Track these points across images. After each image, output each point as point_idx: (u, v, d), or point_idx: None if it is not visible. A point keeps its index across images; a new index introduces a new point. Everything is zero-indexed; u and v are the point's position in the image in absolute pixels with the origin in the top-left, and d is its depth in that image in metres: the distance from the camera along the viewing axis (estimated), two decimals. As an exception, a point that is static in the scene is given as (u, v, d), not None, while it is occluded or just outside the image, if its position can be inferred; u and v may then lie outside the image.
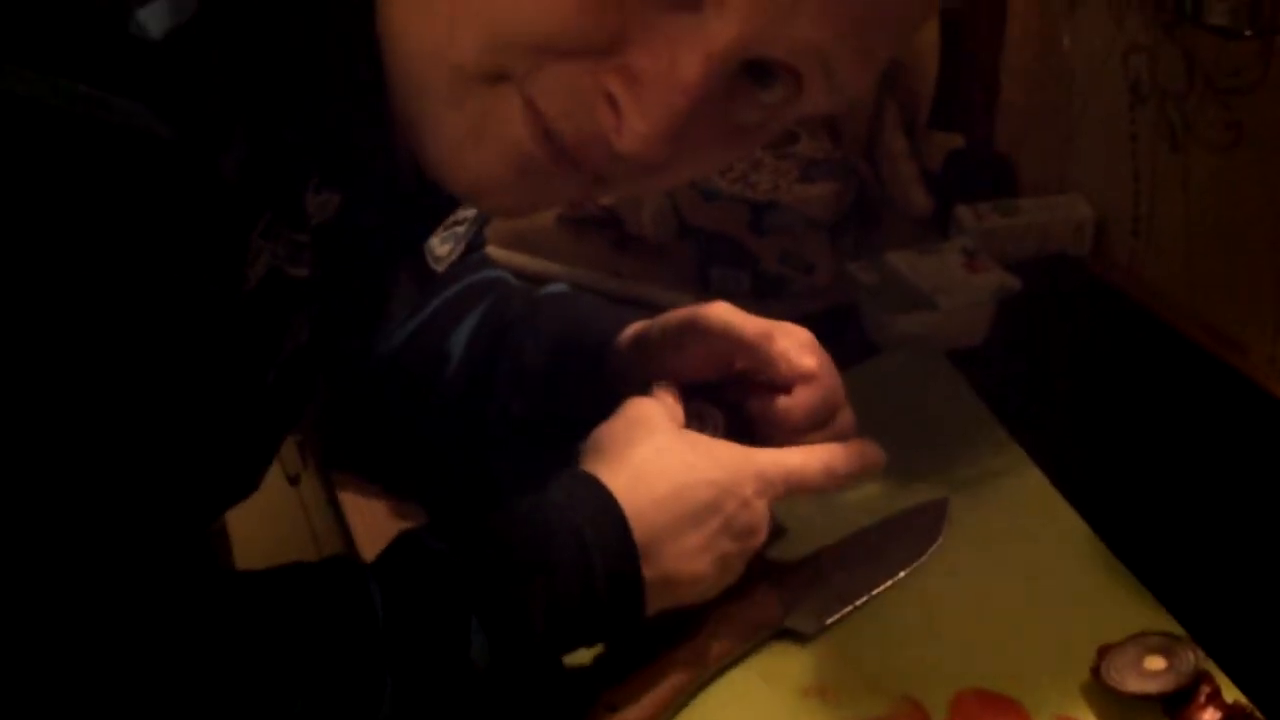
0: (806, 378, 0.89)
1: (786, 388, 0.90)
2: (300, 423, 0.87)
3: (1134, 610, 0.89)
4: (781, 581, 0.90)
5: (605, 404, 0.87)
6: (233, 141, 0.60)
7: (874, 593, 0.92)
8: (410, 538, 0.75)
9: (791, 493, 0.86)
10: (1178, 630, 0.86)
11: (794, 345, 0.89)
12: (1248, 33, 0.84)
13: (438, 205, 0.80)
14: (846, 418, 0.92)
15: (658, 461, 0.80)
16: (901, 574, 0.93)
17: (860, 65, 0.64)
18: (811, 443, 0.89)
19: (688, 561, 0.80)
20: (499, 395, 0.98)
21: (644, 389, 0.89)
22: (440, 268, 0.93)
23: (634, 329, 0.95)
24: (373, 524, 0.99)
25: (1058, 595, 0.91)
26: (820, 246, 1.23)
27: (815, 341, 0.91)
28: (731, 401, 0.92)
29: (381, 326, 0.98)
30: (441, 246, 0.92)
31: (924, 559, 0.95)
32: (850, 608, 0.90)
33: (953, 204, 1.30)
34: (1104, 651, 0.83)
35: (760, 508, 0.83)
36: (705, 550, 0.80)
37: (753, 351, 0.89)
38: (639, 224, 1.28)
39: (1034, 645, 0.87)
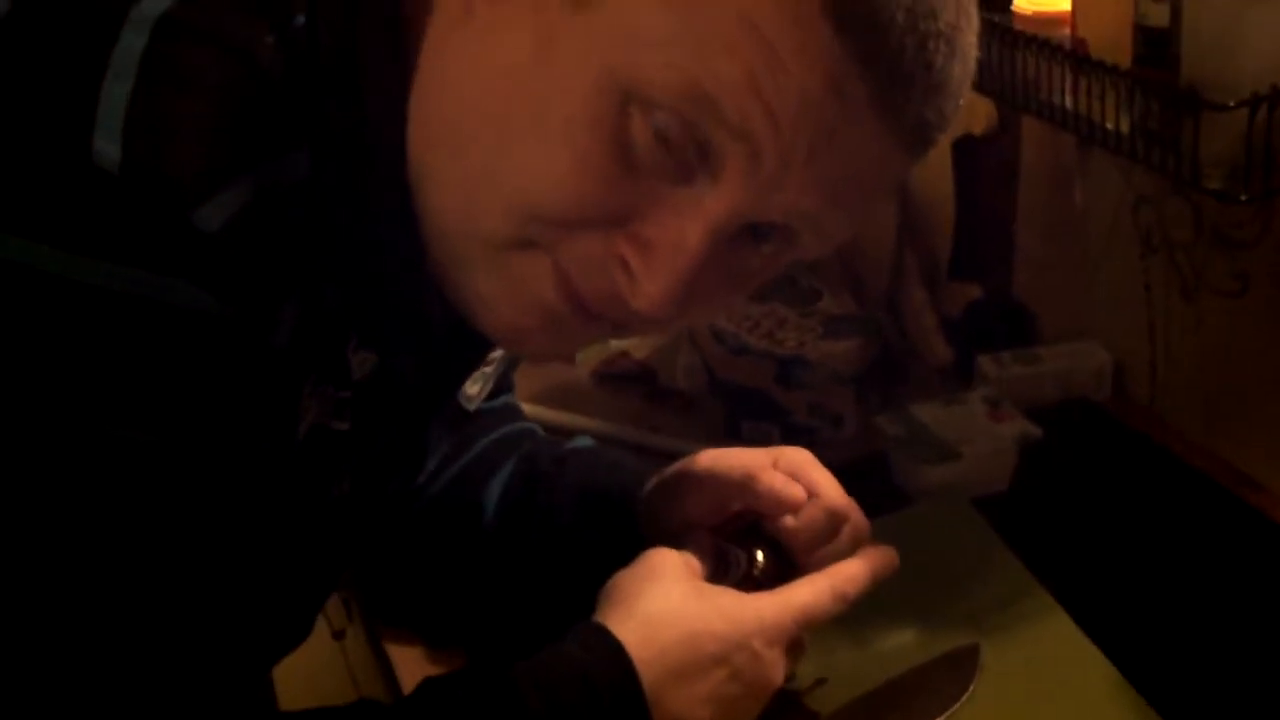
0: (796, 507, 0.92)
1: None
2: (344, 573, 0.91)
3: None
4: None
5: (629, 551, 0.92)
6: (282, 314, 0.66)
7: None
8: (436, 683, 0.80)
9: (808, 628, 0.89)
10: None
11: (780, 477, 0.93)
12: (1243, 197, 0.89)
13: (471, 355, 0.86)
14: (858, 522, 0.94)
15: (666, 613, 0.84)
16: (937, 718, 0.96)
17: (845, 218, 0.72)
18: (827, 555, 0.92)
19: (694, 709, 0.83)
20: (533, 553, 1.02)
21: (673, 538, 0.93)
22: (471, 406, 0.98)
23: (654, 481, 0.99)
24: (417, 674, 1.02)
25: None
26: (846, 399, 1.27)
27: (810, 459, 0.95)
28: (769, 534, 0.95)
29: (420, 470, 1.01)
30: (472, 387, 0.98)
31: (957, 706, 0.97)
32: (883, 756, 0.93)
33: (974, 353, 1.34)
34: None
35: (771, 656, 0.86)
36: (710, 700, 0.84)
37: (741, 494, 0.94)
38: (672, 378, 1.33)
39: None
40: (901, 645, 1.02)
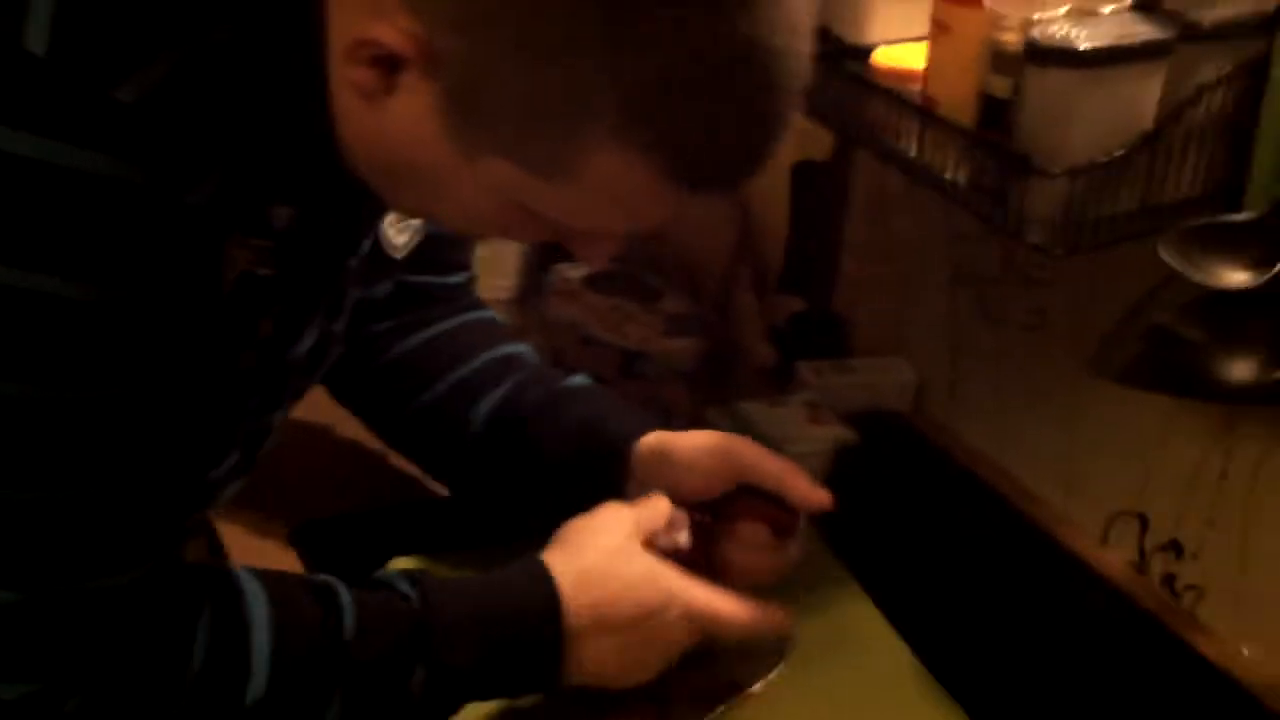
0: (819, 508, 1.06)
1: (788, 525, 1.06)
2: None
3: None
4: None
5: (607, 498, 1.03)
6: (202, 177, 0.75)
7: (727, 706, 1.06)
8: (390, 578, 0.93)
9: (709, 632, 1.00)
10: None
11: (806, 484, 1.06)
12: (1059, 251, 1.03)
13: (376, 208, 0.95)
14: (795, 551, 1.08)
15: (604, 568, 0.96)
16: (748, 690, 1.08)
17: None
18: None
19: (603, 657, 0.96)
20: (514, 485, 1.12)
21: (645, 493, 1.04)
22: (400, 255, 1.05)
23: (656, 438, 1.09)
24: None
25: (881, 709, 1.07)
26: (680, 393, 1.38)
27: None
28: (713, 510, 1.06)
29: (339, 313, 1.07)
30: (399, 236, 1.05)
31: (769, 678, 1.10)
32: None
33: (794, 360, 1.47)
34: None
35: (679, 635, 0.98)
36: (620, 653, 0.96)
37: (778, 480, 1.05)
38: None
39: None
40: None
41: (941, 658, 1.13)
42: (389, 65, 0.74)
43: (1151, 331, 1.03)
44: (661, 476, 1.06)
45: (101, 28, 0.70)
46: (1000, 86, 1.03)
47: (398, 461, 1.28)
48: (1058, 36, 0.98)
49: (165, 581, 0.84)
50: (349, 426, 1.29)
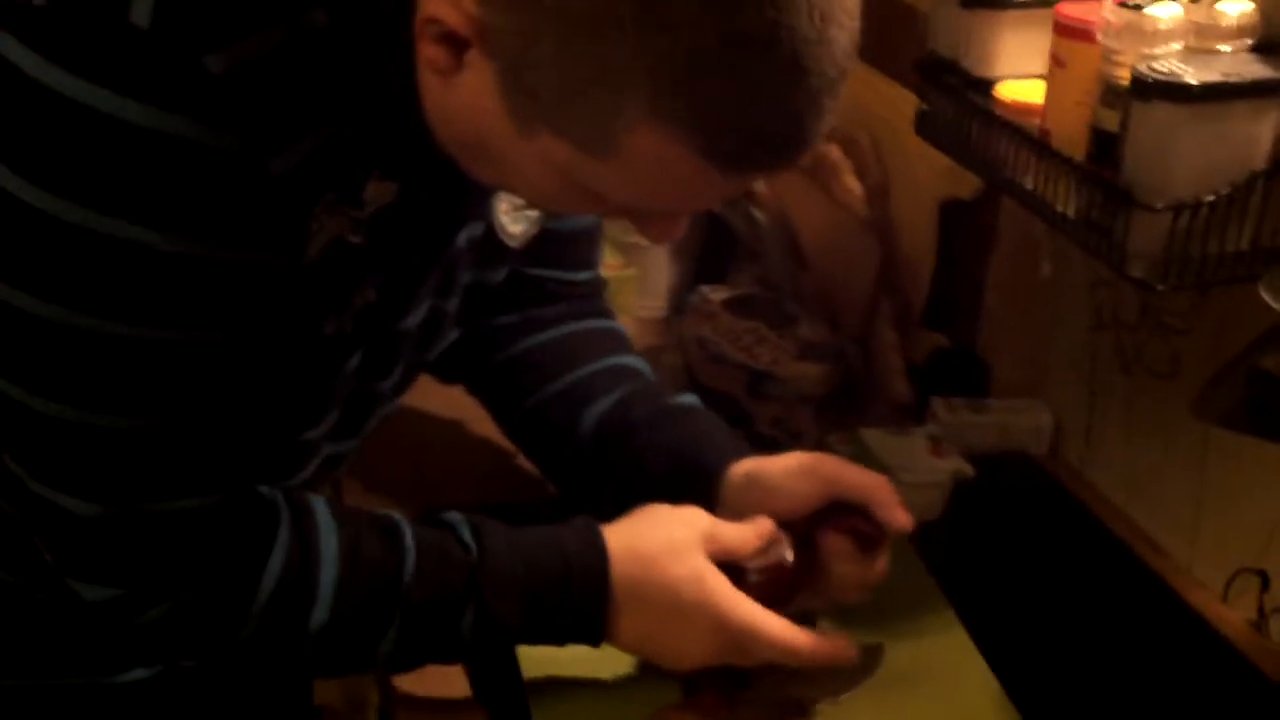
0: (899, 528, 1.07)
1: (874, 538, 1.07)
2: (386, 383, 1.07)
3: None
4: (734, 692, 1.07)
5: None
6: (290, 144, 0.81)
7: (808, 713, 1.08)
8: (454, 522, 0.99)
9: (745, 649, 1.01)
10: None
11: (892, 499, 1.07)
12: (1159, 287, 1.02)
13: (479, 189, 0.99)
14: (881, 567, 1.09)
15: (654, 554, 1.00)
16: (835, 701, 1.10)
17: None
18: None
19: (638, 634, 1.01)
20: (614, 493, 1.15)
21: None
22: (515, 244, 1.10)
23: (748, 465, 1.11)
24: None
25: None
26: (807, 417, 1.40)
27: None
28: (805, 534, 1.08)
29: (451, 293, 1.09)
30: (514, 225, 1.09)
31: (853, 693, 1.11)
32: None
33: (930, 396, 1.47)
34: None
35: (708, 644, 1.00)
36: (650, 639, 1.01)
37: (865, 495, 1.07)
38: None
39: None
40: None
41: (1037, 700, 1.12)
42: (455, 44, 0.79)
43: (1254, 375, 1.01)
44: (752, 501, 1.08)
45: (199, 6, 0.77)
46: (1110, 120, 1.03)
47: (526, 461, 1.33)
48: (1164, 71, 0.98)
49: (245, 507, 0.92)
50: (488, 423, 1.35)
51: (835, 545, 1.08)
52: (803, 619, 1.04)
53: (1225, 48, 1.01)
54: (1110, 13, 1.02)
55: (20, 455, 0.87)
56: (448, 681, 1.09)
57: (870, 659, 1.14)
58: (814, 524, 1.09)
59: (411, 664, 1.00)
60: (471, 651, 1.00)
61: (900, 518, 1.06)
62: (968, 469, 1.32)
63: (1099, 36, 1.03)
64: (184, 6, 0.77)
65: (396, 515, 0.99)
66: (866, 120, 1.59)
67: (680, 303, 1.54)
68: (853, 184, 1.57)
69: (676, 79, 0.75)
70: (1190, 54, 1.01)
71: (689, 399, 1.20)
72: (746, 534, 1.03)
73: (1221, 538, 1.27)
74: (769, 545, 1.04)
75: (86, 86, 0.76)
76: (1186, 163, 0.99)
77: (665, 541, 1.00)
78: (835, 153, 1.60)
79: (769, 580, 1.03)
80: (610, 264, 1.60)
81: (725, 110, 0.76)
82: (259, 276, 0.85)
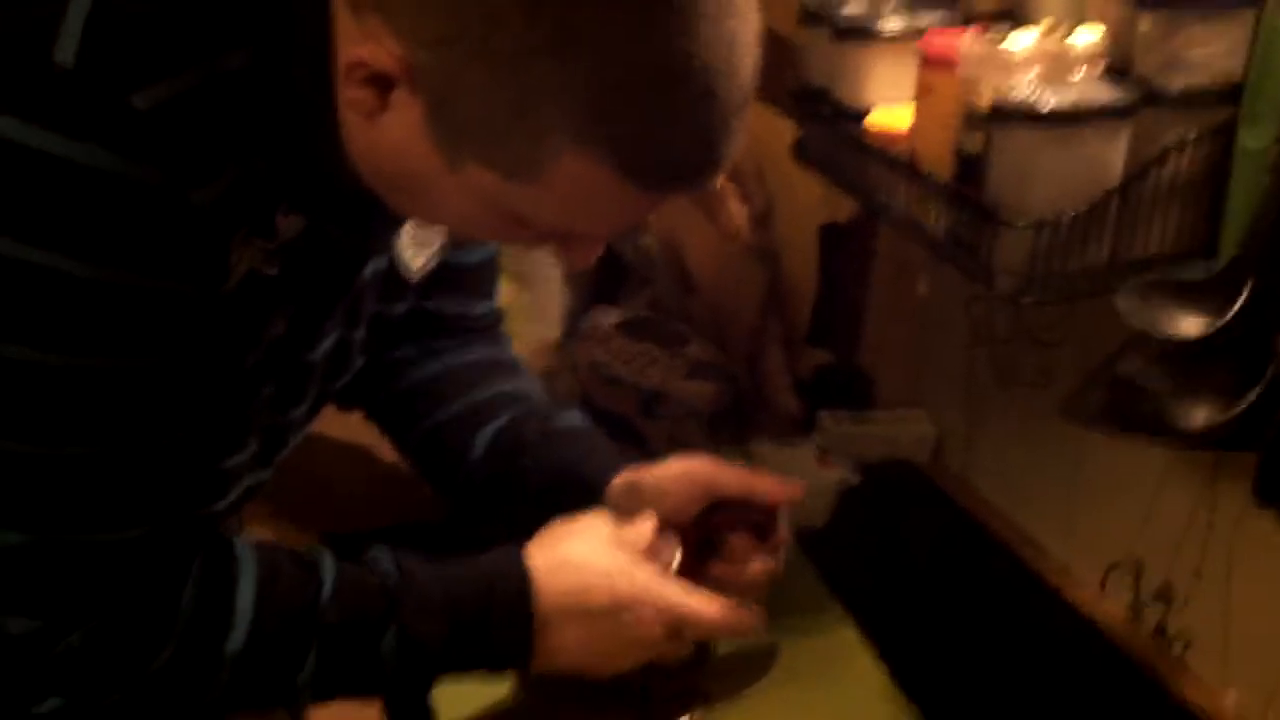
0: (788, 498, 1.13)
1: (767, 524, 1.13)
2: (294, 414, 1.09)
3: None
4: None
5: None
6: (210, 178, 0.84)
7: (706, 711, 1.13)
8: (376, 554, 1.01)
9: (682, 630, 1.06)
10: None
11: (770, 481, 1.14)
12: (1025, 300, 1.08)
13: (387, 222, 1.03)
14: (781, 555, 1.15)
15: (580, 559, 1.04)
16: (732, 700, 1.15)
17: None
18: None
19: (573, 644, 1.03)
20: (504, 513, 1.20)
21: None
22: (414, 277, 1.14)
23: (625, 477, 1.15)
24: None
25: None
26: (699, 434, 1.45)
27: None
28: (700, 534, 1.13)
29: (357, 323, 1.11)
30: (415, 259, 1.13)
31: (750, 691, 1.16)
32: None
33: (817, 410, 1.53)
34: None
35: (651, 630, 1.04)
36: (589, 642, 1.04)
37: (742, 486, 1.13)
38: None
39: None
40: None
41: (926, 693, 1.18)
42: (381, 85, 0.83)
43: (1116, 380, 1.08)
44: (634, 509, 1.12)
45: (124, 45, 0.81)
46: (973, 143, 1.09)
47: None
48: (1021, 98, 1.04)
49: (165, 539, 0.94)
50: (387, 448, 1.38)
51: (737, 544, 1.13)
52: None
53: (1077, 76, 1.08)
54: (971, 44, 1.08)
55: None
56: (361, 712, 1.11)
57: (766, 658, 1.19)
58: (706, 527, 1.14)
59: (333, 693, 1.00)
60: (395, 680, 1.00)
61: (785, 490, 1.12)
62: (853, 478, 1.38)
63: (960, 66, 1.09)
64: (109, 46, 0.80)
65: (318, 548, 1.01)
66: (751, 146, 1.65)
67: (573, 327, 1.58)
68: (737, 209, 1.63)
69: (597, 107, 0.79)
70: (1046, 81, 1.08)
71: (575, 418, 1.24)
72: (642, 530, 1.08)
73: (1096, 534, 1.34)
74: (660, 546, 1.09)
75: (12, 123, 0.79)
76: (1045, 182, 1.06)
77: (583, 545, 1.05)
78: (721, 180, 1.65)
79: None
80: (503, 292, 1.64)
81: (644, 135, 0.81)
82: (181, 306, 0.87)
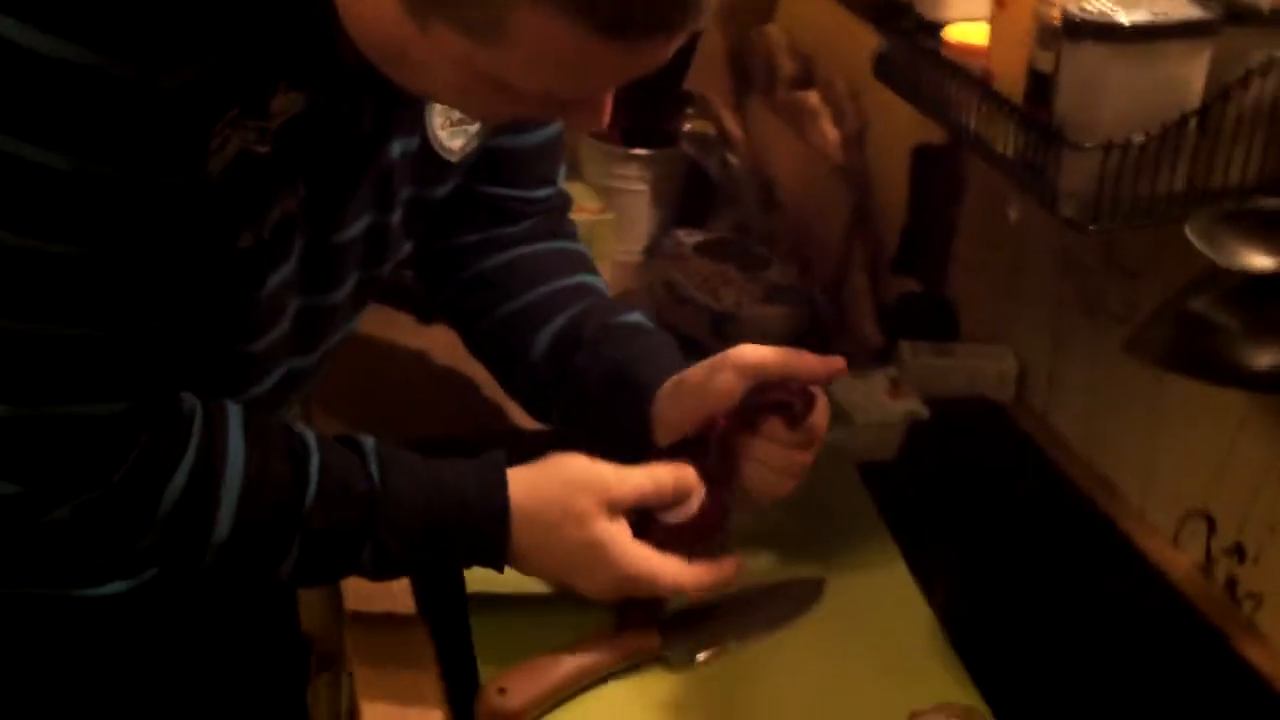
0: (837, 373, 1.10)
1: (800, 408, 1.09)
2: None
3: (953, 688, 1.07)
4: (667, 617, 1.09)
5: (641, 441, 1.11)
6: (183, 64, 0.84)
7: (743, 642, 1.10)
8: (364, 449, 1.02)
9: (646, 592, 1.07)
10: (981, 706, 1.04)
11: (812, 358, 1.10)
12: (1091, 227, 1.03)
13: (401, 100, 1.00)
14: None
15: (555, 522, 1.04)
16: (772, 632, 1.12)
17: None
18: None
19: (544, 569, 1.07)
20: (560, 408, 1.20)
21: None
22: (454, 159, 1.12)
23: (673, 379, 1.14)
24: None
25: (894, 669, 1.10)
26: (770, 358, 1.42)
27: None
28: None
29: (391, 207, 1.11)
30: (452, 140, 1.11)
31: (794, 624, 1.13)
32: (718, 650, 1.09)
33: (898, 339, 1.48)
34: (915, 714, 1.01)
35: (609, 592, 1.06)
36: (561, 571, 1.06)
37: (784, 368, 1.09)
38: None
39: (864, 706, 1.06)
40: (761, 566, 1.18)
41: (978, 641, 1.13)
42: None
43: (1183, 316, 1.02)
44: (681, 409, 1.11)
45: None
46: (1045, 61, 1.04)
47: (492, 391, 1.37)
48: (1095, 11, 0.98)
49: (156, 417, 0.95)
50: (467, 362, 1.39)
51: (766, 428, 1.10)
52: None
53: (1162, -11, 1.01)
54: (1046, -47, 1.03)
55: None
56: (395, 598, 1.12)
57: (810, 592, 1.16)
58: (741, 417, 1.10)
59: (316, 582, 1.06)
60: (374, 575, 1.04)
61: (827, 365, 1.09)
62: (922, 410, 1.34)
63: (1037, -24, 1.03)
64: None
65: (310, 436, 1.01)
66: (845, 65, 1.60)
67: (655, 246, 1.55)
68: (829, 130, 1.58)
69: None
70: (1125, -6, 1.02)
71: (637, 317, 1.22)
72: (643, 485, 1.06)
73: (1174, 480, 1.28)
74: (679, 494, 1.07)
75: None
76: (1116, 103, 1.00)
77: (562, 509, 1.03)
78: (813, 98, 1.61)
79: (682, 529, 1.07)
80: (588, 208, 1.62)
81: None
82: (156, 194, 0.87)
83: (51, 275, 0.87)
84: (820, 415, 1.10)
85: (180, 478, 0.95)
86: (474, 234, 1.24)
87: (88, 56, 0.80)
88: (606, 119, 0.92)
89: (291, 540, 0.99)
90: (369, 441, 1.03)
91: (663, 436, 1.11)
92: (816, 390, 1.10)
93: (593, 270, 1.27)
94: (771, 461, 1.11)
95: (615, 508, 1.05)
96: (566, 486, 1.05)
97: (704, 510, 1.08)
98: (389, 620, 1.11)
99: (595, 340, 1.18)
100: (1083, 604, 1.21)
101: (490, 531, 1.02)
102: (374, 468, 1.01)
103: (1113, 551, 1.28)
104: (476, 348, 1.28)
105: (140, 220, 0.88)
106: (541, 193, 1.25)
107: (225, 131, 0.88)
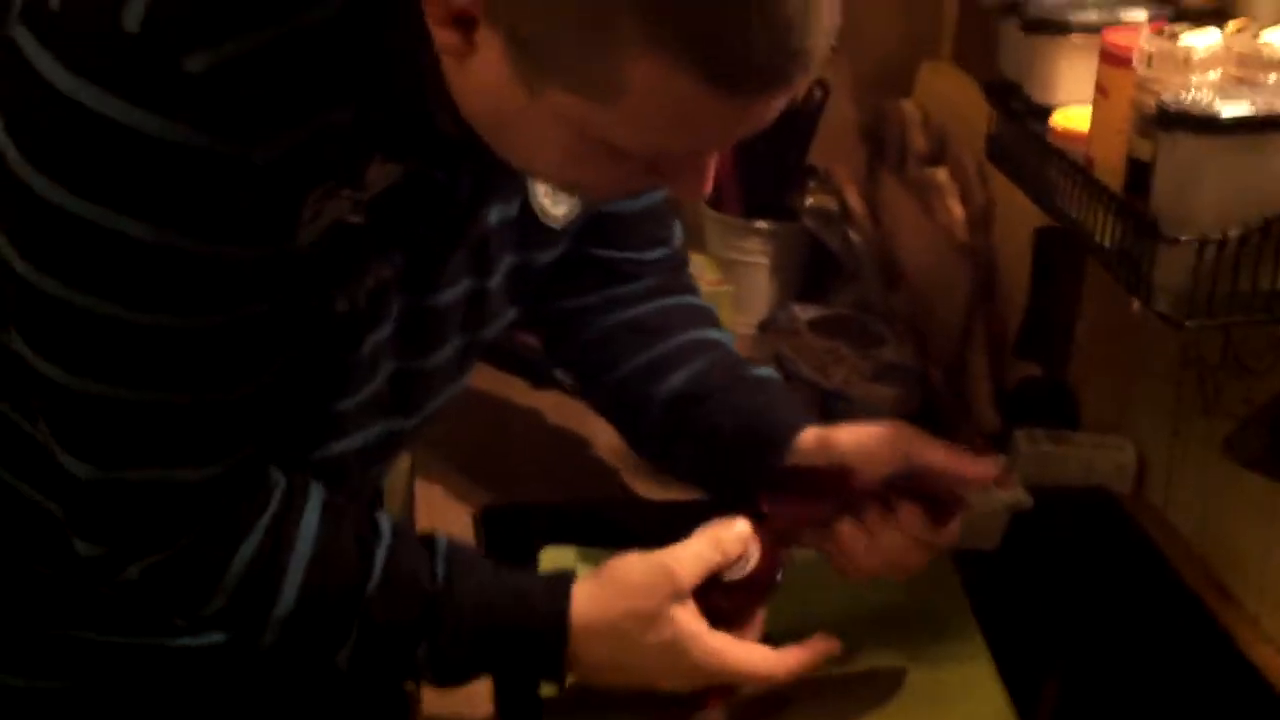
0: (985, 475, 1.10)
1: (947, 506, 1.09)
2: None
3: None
4: (739, 701, 1.07)
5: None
6: (275, 135, 0.85)
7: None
8: (435, 545, 1.03)
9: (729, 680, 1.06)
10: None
11: (970, 459, 1.10)
12: (1187, 323, 0.99)
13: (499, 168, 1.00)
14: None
15: (627, 629, 1.02)
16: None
17: None
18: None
19: (609, 679, 1.05)
20: (688, 455, 1.20)
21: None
22: (558, 225, 1.13)
23: (821, 430, 1.14)
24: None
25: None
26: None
27: None
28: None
29: (490, 272, 1.11)
30: (556, 207, 1.12)
31: (869, 715, 1.10)
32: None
33: (1015, 426, 1.45)
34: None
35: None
36: (627, 676, 1.05)
37: (941, 462, 1.09)
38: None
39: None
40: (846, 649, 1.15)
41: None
42: (464, 25, 0.83)
43: (1278, 419, 0.98)
44: (822, 466, 1.11)
45: (185, 8, 0.82)
46: (1144, 150, 1.01)
47: (604, 455, 1.40)
48: (1190, 102, 0.95)
49: (237, 486, 0.97)
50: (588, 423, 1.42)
51: (908, 513, 1.08)
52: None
53: (1269, 78, 0.98)
54: (1146, 41, 1.00)
55: (34, 414, 0.95)
56: (473, 700, 1.11)
57: (889, 685, 1.13)
58: (883, 489, 1.09)
59: (374, 676, 1.03)
60: (429, 676, 1.04)
61: (982, 467, 1.09)
62: (1027, 500, 1.29)
63: (1135, 65, 1.00)
64: (170, 10, 0.82)
65: (385, 524, 1.02)
66: (975, 143, 1.57)
67: (770, 321, 1.54)
68: (956, 208, 1.56)
69: (665, 8, 0.77)
70: (1231, 83, 0.98)
71: (766, 371, 1.22)
72: (705, 555, 1.04)
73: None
74: (741, 552, 1.05)
75: (82, 84, 0.82)
76: (1213, 196, 0.96)
77: (632, 615, 1.02)
78: (942, 175, 1.59)
79: (744, 584, 1.05)
80: (708, 279, 1.62)
81: (717, 30, 0.78)
82: (243, 267, 0.89)
83: (136, 343, 0.89)
84: (957, 523, 1.09)
85: (249, 548, 0.96)
86: (591, 295, 1.24)
87: (173, 131, 0.83)
88: (709, 186, 0.92)
89: (350, 626, 0.99)
90: (442, 540, 1.04)
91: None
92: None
93: (718, 325, 1.27)
94: (893, 548, 1.09)
95: (683, 595, 1.03)
96: (631, 590, 1.04)
97: (762, 562, 1.06)
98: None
99: (725, 388, 1.18)
100: (1185, 712, 1.16)
101: (549, 641, 1.02)
102: (440, 567, 1.01)
103: (1223, 659, 1.22)
104: (600, 404, 1.29)
105: (225, 291, 0.90)
106: (655, 254, 1.25)
107: (320, 202, 0.90)
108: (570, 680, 1.05)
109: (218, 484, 0.95)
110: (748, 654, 1.04)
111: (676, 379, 1.19)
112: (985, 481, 1.10)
